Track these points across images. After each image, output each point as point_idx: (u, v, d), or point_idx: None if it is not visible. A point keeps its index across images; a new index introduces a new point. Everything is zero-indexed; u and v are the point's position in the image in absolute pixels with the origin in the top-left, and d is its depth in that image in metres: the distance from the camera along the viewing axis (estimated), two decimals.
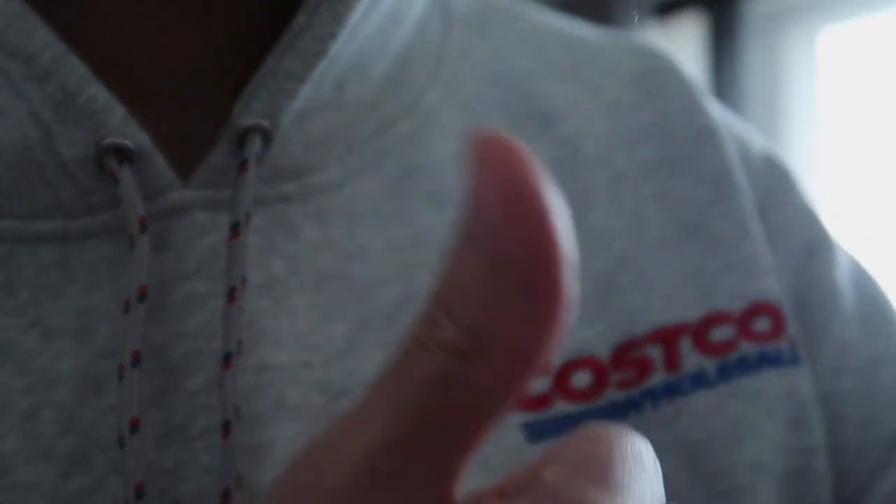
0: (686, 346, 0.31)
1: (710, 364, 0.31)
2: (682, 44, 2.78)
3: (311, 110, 0.28)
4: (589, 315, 0.30)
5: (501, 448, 0.27)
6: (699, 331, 0.31)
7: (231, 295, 0.25)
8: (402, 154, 0.31)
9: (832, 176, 2.62)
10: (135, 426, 0.25)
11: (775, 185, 0.36)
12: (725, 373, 0.31)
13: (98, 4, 0.28)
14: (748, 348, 0.32)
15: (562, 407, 0.29)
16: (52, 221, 0.27)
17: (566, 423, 0.29)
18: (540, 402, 0.29)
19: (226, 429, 0.25)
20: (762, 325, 0.32)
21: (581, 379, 0.30)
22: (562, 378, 0.29)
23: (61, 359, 0.26)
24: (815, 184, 2.65)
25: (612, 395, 0.30)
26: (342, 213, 0.29)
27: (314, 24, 0.27)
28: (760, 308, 0.32)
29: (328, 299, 0.28)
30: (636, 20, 2.38)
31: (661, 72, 0.36)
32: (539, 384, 0.29)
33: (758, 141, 0.37)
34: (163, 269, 0.27)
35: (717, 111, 0.36)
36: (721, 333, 0.31)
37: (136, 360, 0.25)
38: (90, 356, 0.26)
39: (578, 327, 0.30)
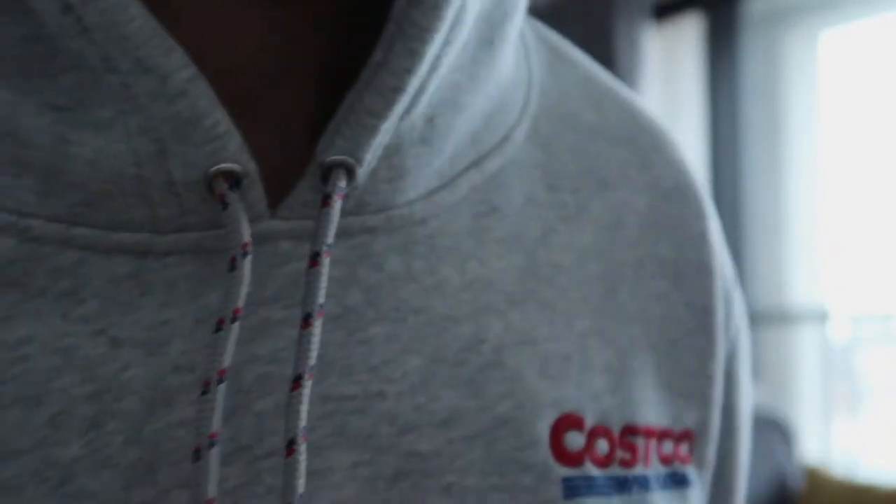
0: (653, 447, 0.34)
1: (662, 471, 0.34)
2: (680, 46, 2.78)
3: (400, 146, 0.29)
4: (612, 386, 0.32)
5: (542, 500, 0.29)
6: (660, 438, 0.34)
7: (306, 321, 0.26)
8: (487, 192, 0.32)
9: (832, 178, 2.63)
10: (212, 442, 0.25)
11: (736, 364, 0.39)
12: (668, 482, 0.34)
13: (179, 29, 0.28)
14: (678, 466, 0.35)
15: (589, 468, 0.31)
16: (134, 234, 0.27)
17: (591, 485, 0.31)
18: (577, 459, 0.31)
19: (290, 448, 0.25)
20: (684, 448, 0.35)
21: (601, 446, 0.32)
22: (591, 440, 0.31)
23: (130, 369, 0.26)
24: (816, 185, 2.65)
25: (616, 469, 0.32)
26: (426, 246, 0.30)
27: (390, 60, 0.27)
28: (687, 434, 0.35)
29: (408, 331, 0.29)
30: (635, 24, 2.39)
31: (692, 180, 0.38)
32: (576, 442, 0.31)
33: (737, 298, 0.39)
34: None
35: (720, 247, 0.38)
36: (668, 447, 0.34)
37: (222, 377, 0.25)
38: (161, 370, 0.26)
39: (605, 393, 0.32)
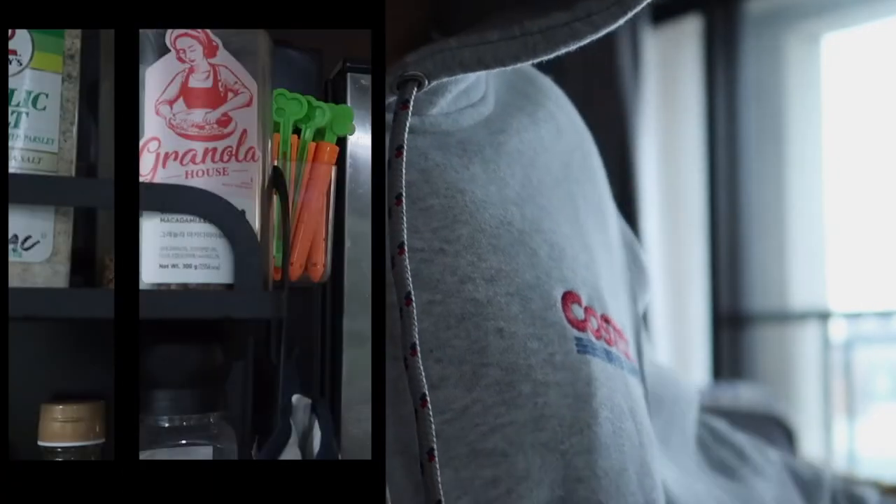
0: (619, 340, 0.41)
1: (625, 360, 0.41)
2: (680, 48, 2.80)
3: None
4: (590, 282, 0.39)
5: (563, 351, 0.35)
6: (621, 336, 0.41)
7: (398, 199, 0.32)
8: (490, 122, 0.40)
9: (832, 179, 2.64)
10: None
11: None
12: (633, 370, 0.42)
13: None
14: (633, 362, 0.42)
15: (590, 335, 0.38)
16: None
17: (593, 347, 0.37)
18: (581, 326, 0.38)
19: (407, 299, 0.32)
20: (628, 348, 0.42)
21: (593, 322, 0.38)
22: (588, 313, 0.38)
23: None
24: (816, 185, 2.66)
25: (603, 343, 0.40)
26: (459, 148, 0.37)
27: (500, 47, 0.35)
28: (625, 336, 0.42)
29: (457, 205, 0.35)
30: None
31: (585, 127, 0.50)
32: (579, 313, 0.38)
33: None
34: None
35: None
36: (623, 345, 0.42)
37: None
38: None
39: (587, 285, 0.39)
